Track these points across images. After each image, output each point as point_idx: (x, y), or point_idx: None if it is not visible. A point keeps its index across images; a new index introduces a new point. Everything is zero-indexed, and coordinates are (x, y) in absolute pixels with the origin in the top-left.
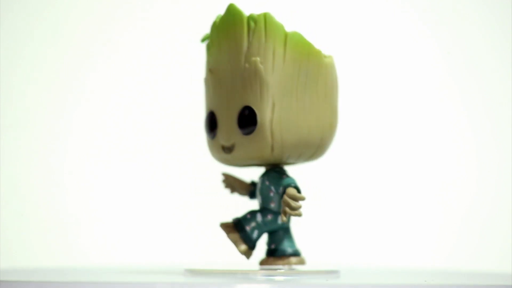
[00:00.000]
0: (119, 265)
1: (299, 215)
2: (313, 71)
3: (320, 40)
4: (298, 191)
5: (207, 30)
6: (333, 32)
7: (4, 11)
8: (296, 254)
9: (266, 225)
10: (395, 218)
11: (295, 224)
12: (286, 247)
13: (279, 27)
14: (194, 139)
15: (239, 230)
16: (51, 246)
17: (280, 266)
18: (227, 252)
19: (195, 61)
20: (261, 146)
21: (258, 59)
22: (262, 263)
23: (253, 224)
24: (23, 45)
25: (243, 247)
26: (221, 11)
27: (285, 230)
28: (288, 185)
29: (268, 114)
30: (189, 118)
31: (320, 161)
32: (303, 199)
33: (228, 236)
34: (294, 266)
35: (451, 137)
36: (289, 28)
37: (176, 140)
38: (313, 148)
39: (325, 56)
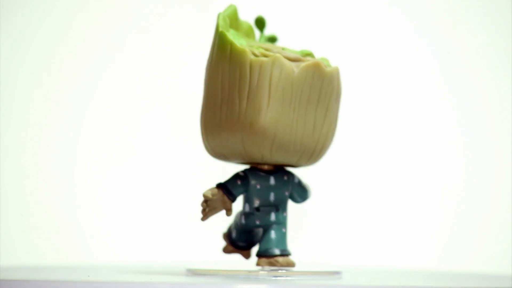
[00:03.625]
0: (120, 265)
1: (203, 217)
2: (235, 71)
3: (320, 40)
4: (229, 191)
5: (205, 30)
6: (333, 32)
7: (5, 12)
8: (266, 255)
9: (237, 224)
10: (396, 220)
11: (298, 225)
12: (262, 247)
13: (216, 27)
14: (196, 139)
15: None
16: (51, 245)
17: (260, 267)
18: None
19: (196, 62)
20: (204, 146)
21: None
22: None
23: (232, 224)
24: (26, 45)
25: (224, 247)
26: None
27: (267, 230)
28: None
29: (202, 115)
30: (191, 118)
31: (322, 163)
32: (204, 196)
33: (222, 236)
34: (264, 267)
35: (451, 138)
36: (288, 31)
37: (178, 140)
38: (238, 147)
39: (263, 55)
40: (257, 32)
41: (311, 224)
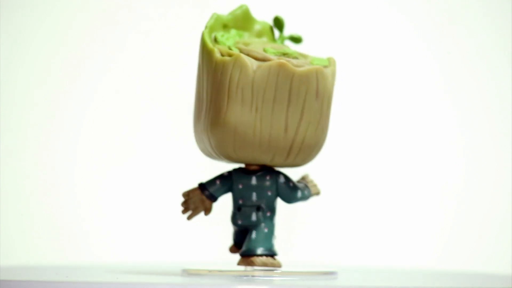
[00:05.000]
0: (117, 265)
1: (188, 217)
2: (206, 70)
3: (319, 40)
4: (207, 190)
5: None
6: (333, 32)
7: (4, 12)
8: (244, 254)
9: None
10: (395, 220)
11: (294, 225)
12: (243, 247)
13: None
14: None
15: None
16: (51, 245)
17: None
18: (225, 252)
19: (195, 62)
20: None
21: None
22: None
23: None
24: (26, 45)
25: (230, 247)
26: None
27: (250, 230)
28: None
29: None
30: (191, 118)
31: (319, 161)
32: (182, 196)
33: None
34: (243, 268)
35: (451, 138)
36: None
37: (177, 140)
38: (208, 146)
39: (228, 54)
40: (277, 32)
41: (307, 224)
